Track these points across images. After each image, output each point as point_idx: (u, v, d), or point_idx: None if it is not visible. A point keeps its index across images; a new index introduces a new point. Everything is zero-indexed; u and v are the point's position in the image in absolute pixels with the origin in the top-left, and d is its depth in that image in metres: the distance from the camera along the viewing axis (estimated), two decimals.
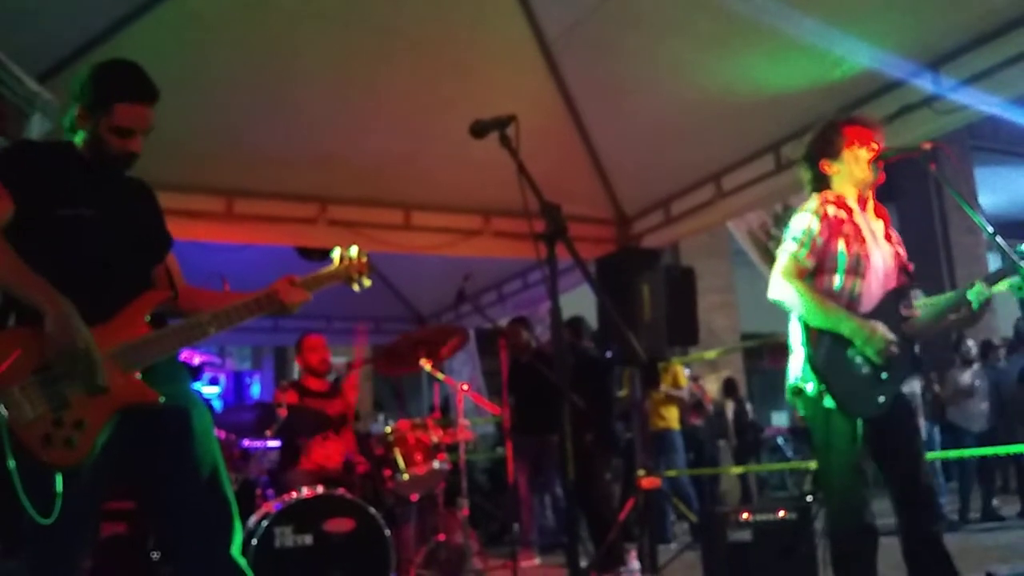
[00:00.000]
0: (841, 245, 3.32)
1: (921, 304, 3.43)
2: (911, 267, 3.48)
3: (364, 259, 3.17)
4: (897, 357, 3.22)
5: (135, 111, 2.69)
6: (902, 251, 3.49)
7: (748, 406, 12.65)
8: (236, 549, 2.67)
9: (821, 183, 3.50)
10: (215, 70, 5.31)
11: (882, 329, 3.19)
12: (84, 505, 2.46)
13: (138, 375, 2.56)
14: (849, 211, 3.38)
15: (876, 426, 3.24)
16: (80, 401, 2.42)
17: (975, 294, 3.18)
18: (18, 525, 2.31)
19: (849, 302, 3.30)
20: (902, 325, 3.29)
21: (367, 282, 3.19)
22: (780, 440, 13.55)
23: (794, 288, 3.28)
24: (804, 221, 3.35)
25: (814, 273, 3.34)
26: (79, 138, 2.71)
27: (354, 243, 3.21)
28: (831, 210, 3.35)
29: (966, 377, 9.60)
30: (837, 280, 3.32)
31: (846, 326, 3.20)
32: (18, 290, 2.45)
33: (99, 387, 2.44)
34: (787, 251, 3.35)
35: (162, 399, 2.57)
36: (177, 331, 2.71)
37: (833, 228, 3.32)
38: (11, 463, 2.27)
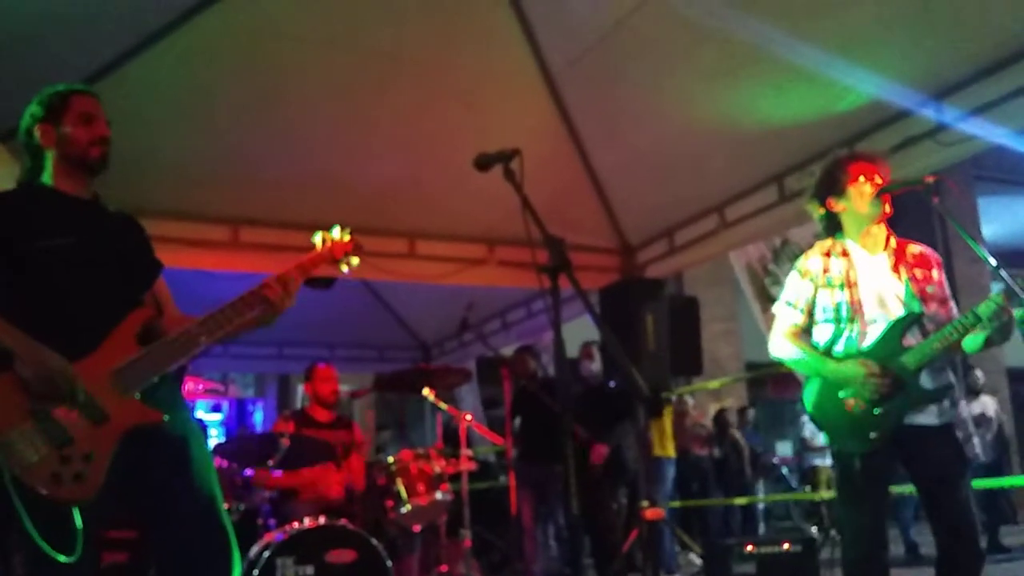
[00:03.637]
0: (824, 297, 3.45)
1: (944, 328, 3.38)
2: (929, 292, 3.41)
3: (347, 237, 3.12)
4: (897, 389, 3.22)
5: (90, 99, 2.84)
6: (921, 275, 3.42)
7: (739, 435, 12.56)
8: None
9: (831, 222, 3.55)
10: (220, 99, 5.35)
11: (865, 370, 3.25)
12: (85, 535, 2.44)
13: (136, 396, 2.55)
14: (843, 254, 3.46)
15: (903, 456, 3.29)
16: (83, 434, 2.41)
17: (986, 308, 3.14)
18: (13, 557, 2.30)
19: (846, 346, 3.38)
20: (902, 357, 3.27)
21: (355, 261, 3.14)
22: (784, 470, 13.44)
23: (788, 345, 3.51)
24: (792, 281, 3.56)
25: (810, 326, 3.51)
26: (47, 174, 2.77)
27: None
28: (814, 264, 3.49)
29: (974, 407, 9.56)
30: (827, 329, 3.44)
31: (825, 371, 3.38)
32: None
33: (98, 412, 2.43)
34: (779, 311, 3.58)
35: (166, 417, 2.57)
36: (168, 344, 2.68)
37: (816, 281, 3.47)
38: (18, 506, 2.26)
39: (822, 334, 3.44)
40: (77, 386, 2.42)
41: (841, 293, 3.41)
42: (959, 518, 3.20)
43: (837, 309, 3.40)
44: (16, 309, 2.47)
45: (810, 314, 3.48)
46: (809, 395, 3.45)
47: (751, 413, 12.91)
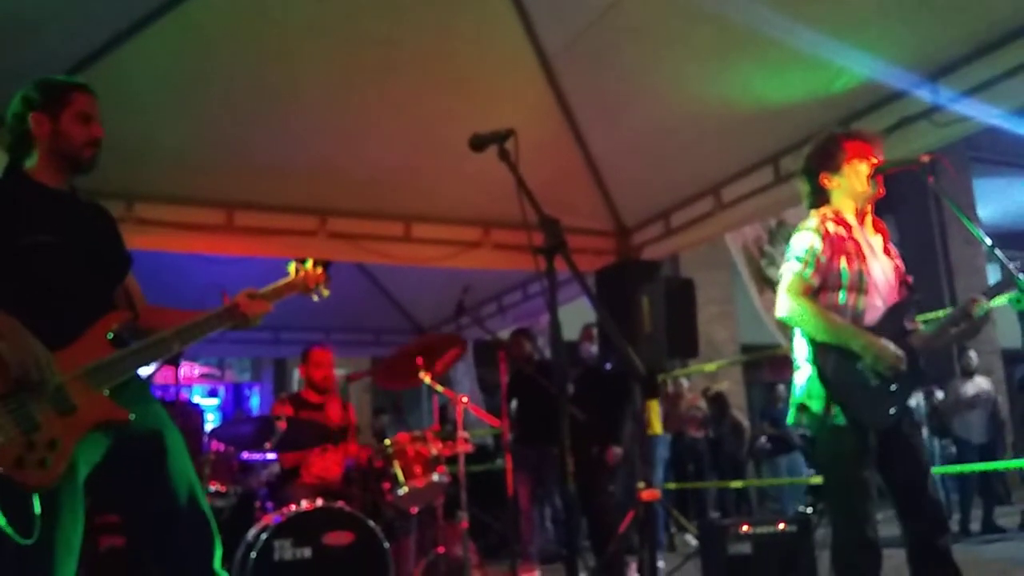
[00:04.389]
0: (843, 262, 3.32)
1: (924, 319, 3.45)
2: (911, 280, 3.49)
3: (320, 270, 3.29)
4: (904, 370, 3.24)
5: (90, 98, 2.82)
6: (901, 264, 3.50)
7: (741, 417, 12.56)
8: (218, 563, 2.75)
9: (820, 197, 3.50)
10: (216, 83, 5.32)
11: (892, 345, 3.21)
12: (68, 522, 2.47)
13: (106, 392, 2.58)
14: (848, 227, 3.39)
15: (880, 438, 3.24)
16: (51, 422, 2.43)
17: (978, 310, 3.18)
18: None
19: (853, 318, 3.31)
20: (906, 338, 3.29)
21: (325, 292, 3.32)
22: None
23: (801, 306, 3.29)
24: (806, 240, 3.36)
25: (818, 291, 3.34)
26: (31, 161, 2.76)
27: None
28: (831, 227, 3.36)
29: (968, 388, 9.60)
30: (840, 297, 3.32)
31: (856, 342, 3.22)
32: None
33: (66, 402, 2.45)
34: (792, 270, 3.35)
35: (132, 416, 2.60)
36: (142, 348, 2.74)
37: (835, 246, 3.33)
38: None
39: (830, 300, 3.32)
40: (54, 379, 2.45)
41: (857, 263, 3.33)
42: (933, 498, 3.26)
43: (858, 278, 3.31)
44: None
45: (823, 277, 3.32)
46: (823, 365, 3.25)
47: (780, 389, 12.68)
